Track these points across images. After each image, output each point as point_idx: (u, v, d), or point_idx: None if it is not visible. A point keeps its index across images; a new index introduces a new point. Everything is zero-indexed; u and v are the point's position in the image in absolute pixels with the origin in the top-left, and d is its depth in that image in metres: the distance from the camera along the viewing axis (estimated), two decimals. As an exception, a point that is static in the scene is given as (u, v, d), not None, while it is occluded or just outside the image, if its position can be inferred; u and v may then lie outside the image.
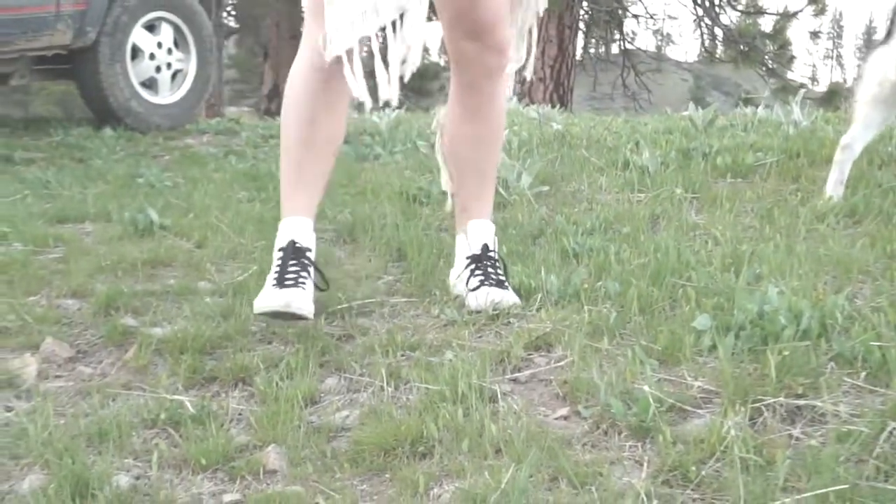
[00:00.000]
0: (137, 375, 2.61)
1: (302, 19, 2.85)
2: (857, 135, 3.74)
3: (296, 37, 19.49)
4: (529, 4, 2.96)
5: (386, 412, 2.27)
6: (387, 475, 2.07)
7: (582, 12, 18.40)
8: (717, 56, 20.20)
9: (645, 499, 1.84)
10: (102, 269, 3.34)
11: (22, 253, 3.49)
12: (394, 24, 2.62)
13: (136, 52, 6.95)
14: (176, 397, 2.43)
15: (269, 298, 2.68)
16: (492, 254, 2.98)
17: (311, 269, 2.78)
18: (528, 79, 3.11)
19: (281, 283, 2.71)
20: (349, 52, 2.60)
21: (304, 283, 2.72)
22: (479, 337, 2.69)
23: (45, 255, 3.56)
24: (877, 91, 3.65)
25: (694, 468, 1.92)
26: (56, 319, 2.93)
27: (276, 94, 19.43)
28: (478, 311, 2.83)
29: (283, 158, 2.86)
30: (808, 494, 1.78)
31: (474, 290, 2.90)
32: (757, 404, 2.13)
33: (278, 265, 2.76)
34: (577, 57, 18.97)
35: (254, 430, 2.29)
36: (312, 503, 1.99)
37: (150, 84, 7.09)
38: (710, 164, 4.47)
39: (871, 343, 2.28)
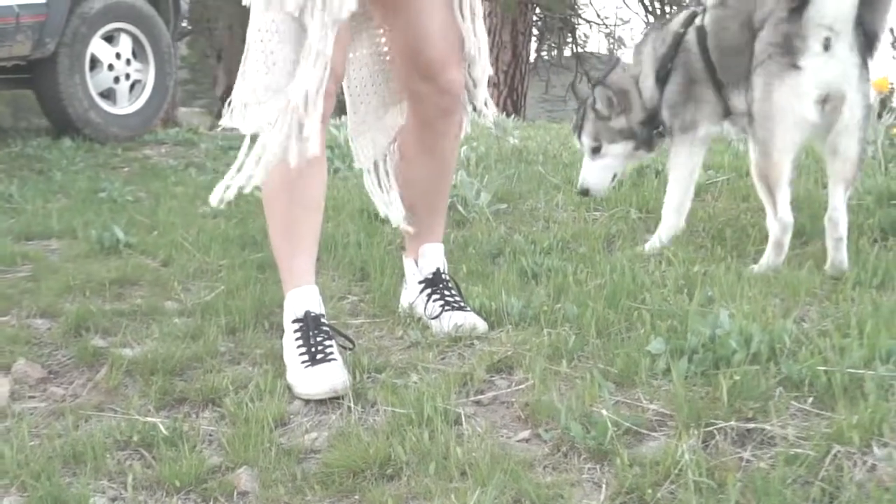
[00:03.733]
0: (109, 396, 2.67)
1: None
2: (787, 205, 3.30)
3: (248, 40, 19.46)
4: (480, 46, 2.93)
5: (354, 434, 2.35)
6: (356, 497, 2.16)
7: (535, 18, 18.52)
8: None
9: (604, 520, 1.94)
10: (70, 288, 3.40)
11: (-9, 273, 3.55)
12: None
13: (94, 62, 6.97)
14: (148, 419, 2.50)
15: (311, 383, 2.60)
16: (444, 276, 3.06)
17: (332, 335, 2.73)
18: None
19: (314, 360, 2.64)
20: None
21: (332, 354, 2.66)
22: (442, 359, 2.78)
23: (13, 273, 3.62)
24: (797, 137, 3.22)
25: (650, 490, 2.02)
26: (27, 340, 2.99)
27: (229, 94, 19.35)
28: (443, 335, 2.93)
29: (275, 230, 2.79)
30: (757, 514, 1.88)
31: (436, 316, 2.99)
32: (709, 428, 2.23)
33: (300, 340, 2.69)
34: (531, 61, 19.08)
35: (225, 452, 2.37)
36: (286, 515, 2.07)
37: (108, 94, 7.11)
38: (662, 182, 4.58)
39: (818, 367, 2.39)
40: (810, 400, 2.32)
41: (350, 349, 2.79)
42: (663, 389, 2.45)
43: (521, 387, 2.56)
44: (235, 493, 2.20)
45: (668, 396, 2.40)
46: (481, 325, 2.94)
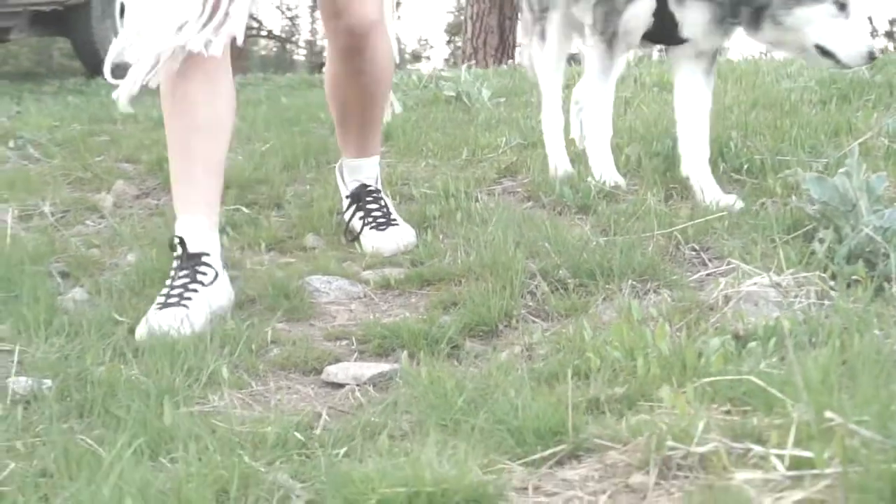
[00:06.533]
0: (195, 203, 3.35)
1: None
2: None
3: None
4: None
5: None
6: (399, 243, 2.84)
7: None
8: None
9: (589, 234, 2.63)
10: (145, 145, 4.08)
11: (80, 133, 4.24)
12: None
13: (124, 9, 7.62)
14: (232, 207, 3.18)
15: (140, 326, 2.25)
16: (370, 189, 2.98)
17: (209, 275, 2.40)
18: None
19: (164, 304, 2.31)
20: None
21: (188, 299, 2.32)
22: (462, 169, 3.47)
23: (96, 137, 4.30)
24: None
25: (623, 220, 2.72)
26: (119, 174, 3.67)
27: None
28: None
29: (171, 151, 2.60)
30: (699, 220, 2.58)
31: (356, 237, 2.92)
32: (668, 190, 2.94)
33: (169, 278, 2.43)
34: (518, 44, 19.67)
35: (294, 226, 3.05)
36: (346, 255, 2.75)
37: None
38: (639, 83, 5.29)
39: (755, 157, 3.09)
40: (745, 171, 3.02)
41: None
42: (636, 178, 3.15)
43: (524, 181, 3.26)
44: (306, 248, 2.88)
45: (639, 178, 3.10)
46: (403, 240, 2.85)
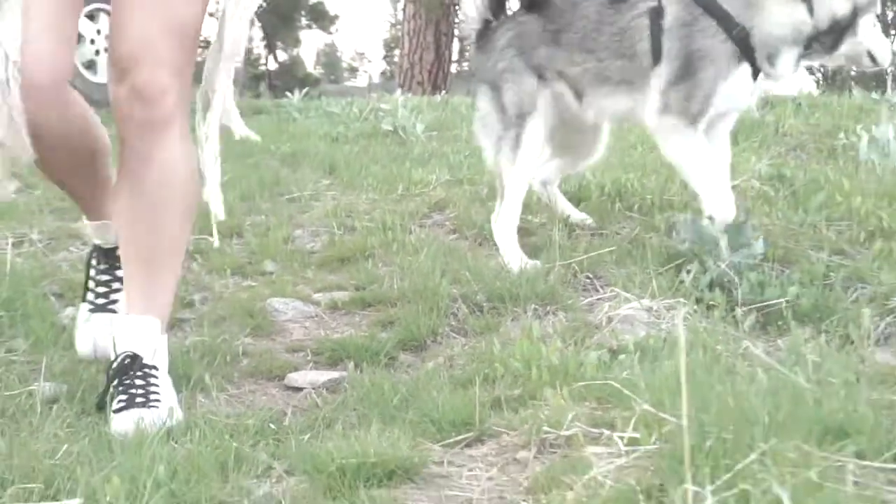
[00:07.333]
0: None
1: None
2: None
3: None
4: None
5: (339, 242, 3.56)
6: (344, 271, 3.36)
7: (457, 20, 19.68)
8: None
9: (502, 265, 3.16)
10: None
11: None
12: None
13: (79, 37, 8.03)
14: (200, 237, 3.68)
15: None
16: (144, 363, 2.22)
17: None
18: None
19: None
20: None
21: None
22: (398, 203, 4.00)
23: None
24: None
25: (532, 252, 3.25)
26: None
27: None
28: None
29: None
30: (593, 253, 3.13)
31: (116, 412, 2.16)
32: (570, 226, 3.49)
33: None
34: (454, 60, 20.21)
35: (253, 254, 3.55)
36: (300, 280, 3.27)
37: (90, 66, 8.19)
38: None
39: (647, 196, 3.66)
40: (637, 209, 3.59)
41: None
42: (545, 213, 3.70)
43: (451, 216, 3.80)
44: (265, 273, 3.39)
45: (548, 213, 3.65)
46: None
